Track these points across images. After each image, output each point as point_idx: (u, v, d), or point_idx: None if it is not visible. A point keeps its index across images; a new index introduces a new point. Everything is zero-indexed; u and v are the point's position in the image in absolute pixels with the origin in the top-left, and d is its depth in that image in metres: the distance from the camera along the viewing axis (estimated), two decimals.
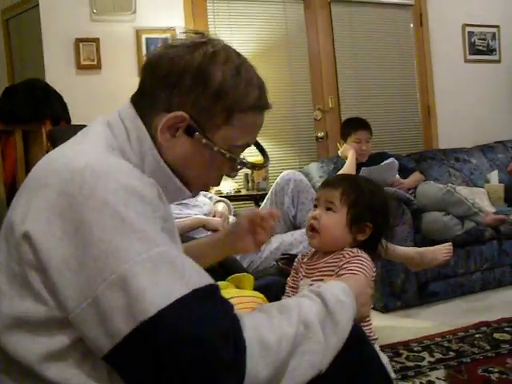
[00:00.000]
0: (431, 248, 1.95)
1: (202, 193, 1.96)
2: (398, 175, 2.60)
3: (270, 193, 2.04)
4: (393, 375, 1.16)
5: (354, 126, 2.68)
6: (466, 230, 2.39)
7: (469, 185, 3.01)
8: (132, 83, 3.25)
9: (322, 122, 3.24)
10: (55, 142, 2.06)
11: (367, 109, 3.25)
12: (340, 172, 2.47)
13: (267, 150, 0.84)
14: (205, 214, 1.89)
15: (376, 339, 1.02)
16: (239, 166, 0.76)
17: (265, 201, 2.08)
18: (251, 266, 1.81)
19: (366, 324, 1.00)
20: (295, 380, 0.61)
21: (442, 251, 1.93)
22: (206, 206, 1.95)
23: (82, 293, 0.57)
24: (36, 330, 0.61)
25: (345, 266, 0.93)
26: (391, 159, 2.52)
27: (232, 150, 0.72)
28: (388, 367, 1.01)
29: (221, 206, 1.99)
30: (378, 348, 0.96)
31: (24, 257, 0.60)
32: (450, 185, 2.48)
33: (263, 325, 0.61)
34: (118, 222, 0.57)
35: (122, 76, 2.88)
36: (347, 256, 0.96)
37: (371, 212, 1.00)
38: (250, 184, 2.82)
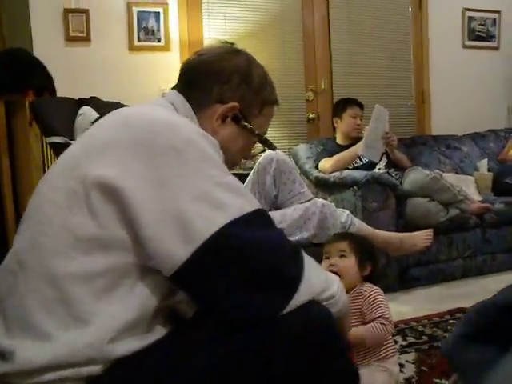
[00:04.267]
0: (411, 234, 1.95)
1: None
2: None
3: (252, 172, 2.02)
4: None
5: (349, 102, 2.75)
6: (450, 217, 2.39)
7: (458, 172, 3.00)
8: (122, 58, 3.12)
9: (314, 104, 3.21)
10: (38, 113, 2.04)
11: (360, 92, 3.20)
12: (339, 154, 2.56)
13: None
14: None
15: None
16: (265, 148, 1.01)
17: (247, 180, 2.06)
18: None
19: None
20: None
21: (422, 237, 1.92)
22: None
23: (162, 206, 0.64)
24: (76, 246, 0.65)
25: (369, 295, 1.27)
26: (376, 107, 2.50)
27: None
28: None
29: None
30: None
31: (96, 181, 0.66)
32: (436, 171, 2.47)
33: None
34: (201, 152, 0.70)
35: (112, 50, 2.83)
36: (367, 290, 1.27)
37: (369, 253, 1.35)
38: None
